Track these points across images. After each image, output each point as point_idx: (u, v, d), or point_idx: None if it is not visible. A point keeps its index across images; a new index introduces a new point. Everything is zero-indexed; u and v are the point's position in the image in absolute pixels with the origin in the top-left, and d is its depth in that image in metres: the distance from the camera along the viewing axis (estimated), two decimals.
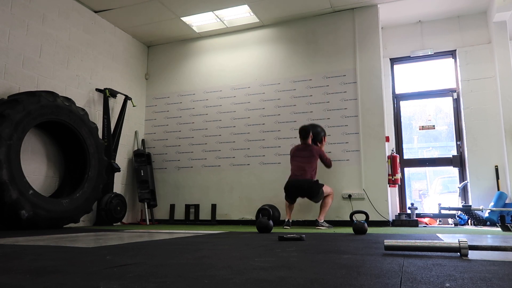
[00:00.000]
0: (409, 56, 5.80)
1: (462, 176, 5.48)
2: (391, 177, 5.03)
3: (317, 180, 4.56)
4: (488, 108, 5.30)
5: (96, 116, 5.44)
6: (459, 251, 1.62)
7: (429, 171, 7.46)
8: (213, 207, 5.73)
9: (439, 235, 3.12)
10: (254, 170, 5.62)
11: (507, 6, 4.89)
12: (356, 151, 5.15)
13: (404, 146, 5.82)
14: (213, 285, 0.98)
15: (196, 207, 5.84)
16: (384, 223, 4.85)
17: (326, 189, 4.56)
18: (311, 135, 4.71)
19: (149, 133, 6.38)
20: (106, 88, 5.50)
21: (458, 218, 5.12)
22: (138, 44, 6.42)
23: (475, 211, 4.94)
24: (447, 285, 0.99)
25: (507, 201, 4.87)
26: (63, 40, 5.02)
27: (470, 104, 5.38)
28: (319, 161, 4.67)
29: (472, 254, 1.66)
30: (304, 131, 4.70)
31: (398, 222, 4.97)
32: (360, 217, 4.67)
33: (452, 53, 5.67)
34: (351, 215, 3.45)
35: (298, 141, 4.90)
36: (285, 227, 4.43)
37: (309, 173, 4.52)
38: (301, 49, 5.67)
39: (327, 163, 4.71)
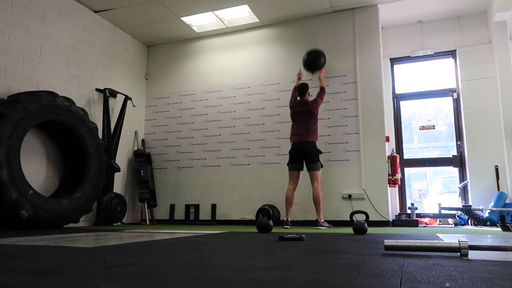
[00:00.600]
0: (409, 56, 5.80)
1: (462, 176, 5.48)
2: (391, 177, 5.03)
3: (320, 150, 4.62)
4: (488, 108, 5.30)
5: (96, 116, 5.44)
6: (459, 251, 1.62)
7: (429, 171, 7.46)
8: (213, 207, 5.73)
9: (439, 235, 3.12)
10: (254, 170, 5.62)
11: (507, 6, 4.89)
12: (356, 151, 5.15)
13: (404, 146, 5.82)
14: (213, 285, 0.98)
15: (196, 207, 5.84)
16: (384, 223, 4.85)
17: (319, 174, 4.56)
18: (309, 92, 4.77)
19: (149, 133, 6.38)
20: (106, 88, 5.50)
21: (458, 218, 5.12)
22: (138, 44, 6.42)
23: (475, 211, 4.94)
24: (447, 285, 0.99)
25: (507, 201, 4.87)
26: (63, 40, 5.02)
27: (470, 104, 5.38)
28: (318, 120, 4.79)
29: (472, 254, 1.66)
30: (302, 88, 4.74)
31: (398, 222, 4.97)
32: (360, 217, 4.67)
33: (452, 53, 5.67)
34: (351, 215, 3.45)
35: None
36: (285, 226, 4.43)
37: (312, 133, 4.60)
38: (301, 49, 5.66)
39: (323, 94, 4.78)
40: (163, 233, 3.27)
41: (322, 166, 4.65)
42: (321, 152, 4.65)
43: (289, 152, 4.69)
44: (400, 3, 5.34)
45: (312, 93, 4.91)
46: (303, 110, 4.67)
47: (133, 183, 6.07)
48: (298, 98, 4.81)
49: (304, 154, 4.58)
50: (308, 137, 4.59)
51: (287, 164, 4.70)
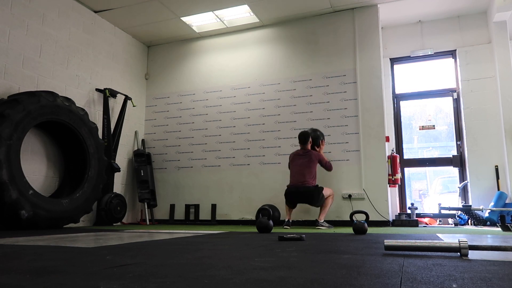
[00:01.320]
0: (409, 56, 5.79)
1: (462, 176, 5.48)
2: (391, 177, 5.03)
3: (317, 185, 4.56)
4: (488, 108, 5.30)
5: (96, 116, 5.44)
6: (459, 251, 1.62)
7: (429, 171, 7.46)
8: (213, 207, 5.73)
9: (439, 235, 3.12)
10: (254, 170, 5.62)
11: (507, 6, 4.89)
12: (356, 151, 5.15)
13: (404, 146, 5.82)
14: (213, 285, 0.98)
15: (196, 207, 5.84)
16: (384, 223, 4.85)
17: (326, 191, 4.57)
18: (310, 140, 4.72)
19: (149, 133, 6.37)
20: (106, 88, 5.50)
21: (458, 218, 5.12)
22: (138, 44, 6.42)
23: (475, 211, 4.94)
24: (454, 286, 0.99)
25: (507, 201, 4.87)
26: (63, 40, 5.02)
27: (470, 104, 5.38)
28: (319, 166, 4.68)
29: (472, 254, 1.66)
30: (303, 136, 4.70)
31: (398, 222, 4.97)
32: (360, 217, 4.67)
33: (452, 53, 5.67)
34: (351, 215, 3.45)
35: (298, 141, 4.88)
36: (285, 227, 4.43)
37: (309, 179, 4.51)
38: (301, 49, 5.67)
39: (327, 167, 4.71)
40: (163, 233, 3.27)
41: (323, 188, 4.52)
42: (320, 188, 4.51)
43: (285, 194, 4.61)
44: (400, 3, 5.34)
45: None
46: (302, 156, 4.61)
47: (133, 183, 6.07)
48: (299, 148, 4.76)
49: (301, 199, 4.52)
50: (306, 182, 4.48)
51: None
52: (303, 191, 4.48)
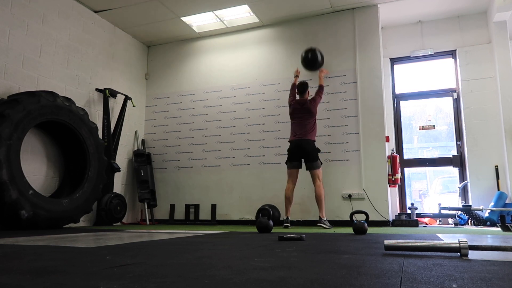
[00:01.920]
0: (409, 56, 5.79)
1: (462, 176, 5.48)
2: (391, 177, 5.03)
3: (318, 149, 4.63)
4: (488, 108, 5.30)
5: (96, 116, 5.44)
6: (459, 251, 1.62)
7: (429, 171, 7.46)
8: (213, 207, 5.73)
9: (439, 235, 3.12)
10: (254, 170, 5.62)
11: (507, 6, 4.89)
12: (356, 151, 5.15)
13: (404, 146, 5.82)
14: (213, 285, 0.98)
15: (196, 207, 5.84)
16: (384, 223, 4.85)
17: (320, 172, 4.58)
18: (308, 90, 4.80)
19: (149, 133, 6.37)
20: (106, 88, 5.50)
21: (458, 218, 5.12)
22: (138, 44, 6.41)
23: (475, 211, 4.94)
24: (454, 286, 0.99)
25: (507, 201, 4.87)
26: (63, 40, 5.02)
27: (470, 104, 5.38)
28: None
29: (472, 254, 1.66)
30: (302, 87, 4.78)
31: (398, 222, 4.98)
32: (360, 217, 4.67)
33: (452, 53, 5.67)
34: (351, 215, 3.45)
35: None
36: (285, 225, 4.42)
37: (310, 132, 4.61)
38: (301, 49, 5.65)
39: (321, 92, 4.80)
40: (163, 233, 3.27)
41: (321, 163, 4.65)
42: (319, 150, 4.65)
43: (287, 151, 4.70)
44: (400, 3, 5.34)
45: (312, 93, 4.92)
46: (301, 108, 4.68)
47: (133, 183, 6.07)
48: (298, 97, 4.83)
49: (302, 153, 4.59)
50: (306, 136, 4.60)
51: (286, 163, 4.70)
52: (305, 144, 4.56)
